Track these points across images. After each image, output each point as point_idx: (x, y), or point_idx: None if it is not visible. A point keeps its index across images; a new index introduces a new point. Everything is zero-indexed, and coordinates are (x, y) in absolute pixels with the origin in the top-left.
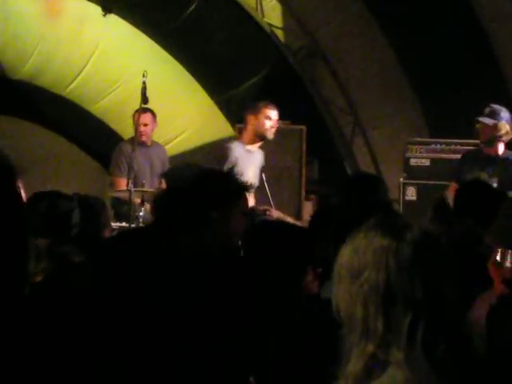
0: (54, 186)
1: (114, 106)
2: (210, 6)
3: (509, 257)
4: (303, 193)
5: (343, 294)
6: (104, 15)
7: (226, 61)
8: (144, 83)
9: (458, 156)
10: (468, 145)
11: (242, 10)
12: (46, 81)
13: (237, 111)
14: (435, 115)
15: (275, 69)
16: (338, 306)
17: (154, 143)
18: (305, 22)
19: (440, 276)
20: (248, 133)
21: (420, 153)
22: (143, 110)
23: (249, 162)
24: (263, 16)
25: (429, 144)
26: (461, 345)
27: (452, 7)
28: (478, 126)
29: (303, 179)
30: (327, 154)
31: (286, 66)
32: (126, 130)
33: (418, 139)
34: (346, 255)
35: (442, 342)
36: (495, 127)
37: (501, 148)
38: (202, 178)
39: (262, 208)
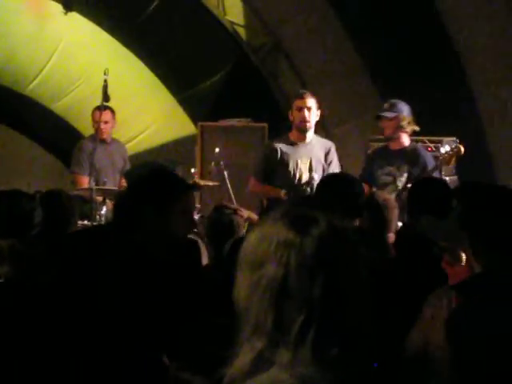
0: (15, 184)
1: (75, 103)
2: (171, 4)
3: (462, 256)
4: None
5: (243, 284)
6: (65, 13)
7: (188, 58)
8: (105, 81)
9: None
10: (430, 141)
11: (203, 7)
12: (7, 79)
13: (199, 109)
14: None
15: (237, 66)
16: (238, 297)
17: (114, 140)
18: (266, 19)
19: (343, 277)
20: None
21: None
22: (103, 108)
23: (296, 155)
24: (225, 13)
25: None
26: (359, 350)
27: (414, 6)
28: (380, 122)
29: None
30: None
31: (248, 64)
32: (88, 128)
33: (380, 136)
34: (251, 242)
35: (335, 346)
36: (397, 119)
37: (406, 140)
38: (143, 178)
39: (232, 207)
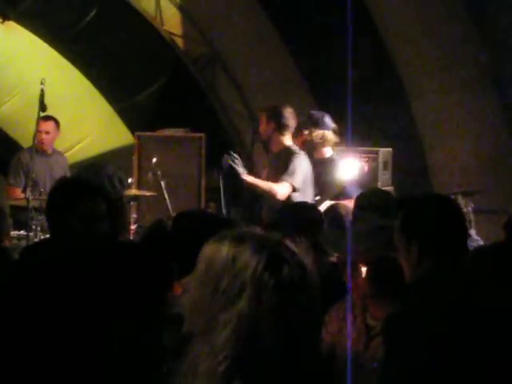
0: None
1: (12, 113)
2: (108, 14)
3: (361, 269)
4: (203, 201)
5: (204, 305)
6: (2, 22)
7: (126, 68)
8: (42, 90)
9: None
10: (366, 152)
11: (141, 18)
12: None
13: (137, 119)
14: (335, 121)
15: (175, 76)
16: (193, 310)
17: (55, 151)
18: (204, 29)
19: (304, 317)
20: None
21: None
22: (45, 118)
23: None
24: (163, 24)
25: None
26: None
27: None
28: (306, 136)
29: (202, 187)
30: None
31: (186, 74)
32: (26, 138)
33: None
34: (220, 261)
35: None
36: (323, 136)
37: (328, 151)
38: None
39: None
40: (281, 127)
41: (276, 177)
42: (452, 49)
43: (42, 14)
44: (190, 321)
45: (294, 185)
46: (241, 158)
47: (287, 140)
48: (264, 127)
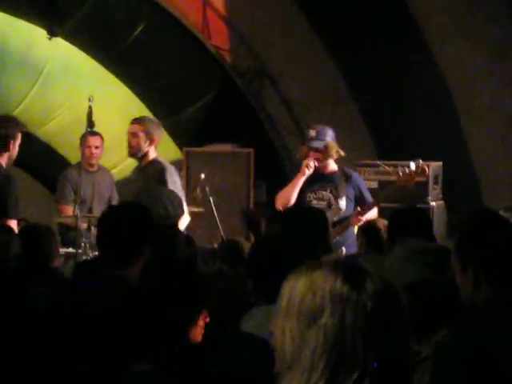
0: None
1: (60, 130)
2: (156, 29)
3: None
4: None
5: (291, 333)
6: (50, 38)
7: (173, 83)
8: (90, 107)
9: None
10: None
11: (188, 32)
12: None
13: (185, 134)
14: (383, 137)
15: (223, 91)
16: (282, 344)
17: (101, 168)
18: (252, 43)
19: (395, 337)
20: None
21: (368, 175)
22: (93, 133)
23: None
24: (210, 38)
25: (377, 166)
26: None
27: (399, 28)
28: (308, 150)
29: (251, 202)
30: (276, 176)
31: (234, 88)
32: (73, 155)
33: (367, 161)
34: (299, 289)
35: None
36: (325, 148)
37: (333, 165)
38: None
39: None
40: None
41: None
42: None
43: (89, 30)
44: (279, 358)
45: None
46: (289, 174)
47: None
48: None
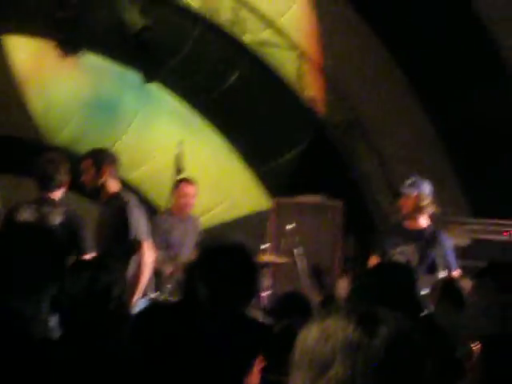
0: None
1: (150, 175)
2: (250, 77)
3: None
4: (338, 270)
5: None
6: (145, 83)
7: (266, 133)
8: (179, 153)
9: (499, 237)
10: (508, 225)
11: (282, 82)
12: (83, 147)
13: (275, 184)
14: (477, 194)
15: (315, 142)
16: None
17: (189, 215)
18: (346, 96)
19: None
20: None
21: (460, 233)
22: (190, 181)
23: None
24: (303, 89)
25: (468, 224)
26: None
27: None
28: (399, 199)
29: (338, 256)
30: (365, 230)
31: (326, 140)
32: (162, 201)
33: (458, 218)
34: (311, 339)
35: None
36: (417, 197)
37: (424, 221)
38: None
39: None
40: None
41: None
42: None
43: (184, 76)
44: None
45: None
46: (377, 227)
47: None
48: None
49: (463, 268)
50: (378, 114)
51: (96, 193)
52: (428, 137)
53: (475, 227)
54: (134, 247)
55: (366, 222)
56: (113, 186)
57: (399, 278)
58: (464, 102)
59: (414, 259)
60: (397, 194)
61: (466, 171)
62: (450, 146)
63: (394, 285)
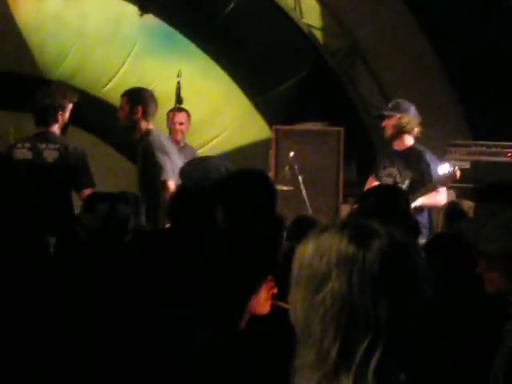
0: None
1: None
2: (247, 7)
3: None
4: (341, 195)
5: (302, 303)
6: (141, 15)
7: (264, 61)
8: (179, 83)
9: (499, 159)
10: (504, 147)
11: (280, 10)
12: (82, 81)
13: (275, 112)
14: (477, 118)
15: (314, 70)
16: (295, 316)
17: (187, 145)
18: (344, 21)
19: (407, 295)
20: None
21: (460, 155)
22: (178, 109)
23: None
24: (301, 16)
25: (469, 146)
26: (424, 374)
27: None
28: (381, 121)
29: (341, 182)
30: (366, 156)
31: (325, 67)
32: (163, 131)
33: (458, 141)
34: (307, 255)
35: (402, 371)
36: (399, 119)
37: (409, 141)
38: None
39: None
40: None
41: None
42: None
43: (180, 7)
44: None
45: None
46: (379, 154)
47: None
48: None
49: (464, 190)
50: (377, 40)
51: (130, 131)
52: (428, 63)
53: (477, 149)
54: (159, 188)
55: (367, 146)
56: (144, 125)
57: (391, 201)
58: (465, 30)
59: (402, 184)
60: (380, 117)
61: (466, 94)
62: (450, 72)
63: (387, 207)
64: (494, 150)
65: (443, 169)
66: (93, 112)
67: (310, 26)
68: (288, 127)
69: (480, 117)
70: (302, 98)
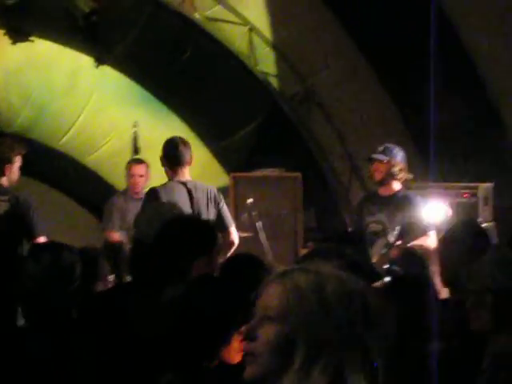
0: (49, 239)
1: (107, 157)
2: (203, 55)
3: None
4: (300, 241)
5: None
6: (97, 66)
7: (221, 109)
8: (135, 133)
9: (457, 200)
10: (465, 187)
11: (235, 57)
12: (39, 134)
13: (232, 160)
14: (433, 158)
15: (270, 116)
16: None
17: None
18: (299, 68)
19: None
20: None
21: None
22: (138, 161)
23: None
24: (256, 63)
25: (426, 188)
26: None
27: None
28: (371, 164)
29: (299, 226)
30: (324, 201)
31: (281, 113)
32: (121, 182)
33: (416, 184)
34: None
35: None
36: (389, 163)
37: (396, 186)
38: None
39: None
40: None
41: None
42: None
43: (137, 58)
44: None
45: None
46: (338, 199)
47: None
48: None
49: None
50: (333, 85)
51: None
52: (384, 105)
53: (434, 190)
54: None
55: (325, 191)
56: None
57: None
58: (419, 67)
59: (392, 231)
60: (369, 160)
61: (422, 137)
62: (407, 114)
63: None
64: (450, 190)
65: (442, 210)
66: (49, 164)
67: (264, 72)
68: (246, 174)
69: (435, 157)
70: (259, 145)
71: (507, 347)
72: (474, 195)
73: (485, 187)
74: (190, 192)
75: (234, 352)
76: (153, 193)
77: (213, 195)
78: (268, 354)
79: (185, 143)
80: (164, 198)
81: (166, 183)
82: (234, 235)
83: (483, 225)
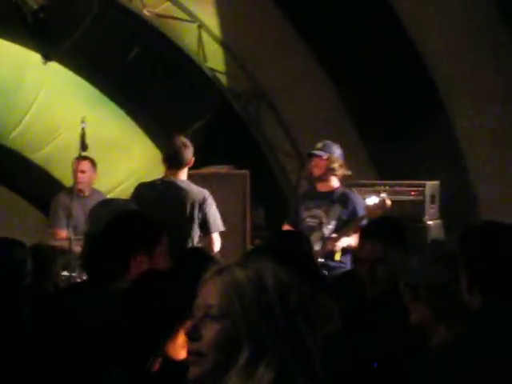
0: None
1: (56, 153)
2: (151, 51)
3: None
4: (248, 238)
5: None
6: (44, 63)
7: (170, 106)
8: (83, 129)
9: (404, 197)
10: (412, 186)
11: (184, 54)
12: None
13: None
14: (382, 158)
15: (219, 113)
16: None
17: (94, 192)
18: (248, 65)
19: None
20: None
21: (365, 195)
22: (82, 158)
23: None
24: (205, 60)
25: (373, 186)
26: None
27: (398, 52)
28: (311, 160)
29: (247, 224)
30: (273, 199)
31: (230, 111)
32: (69, 178)
33: (363, 181)
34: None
35: None
36: (328, 160)
37: (335, 183)
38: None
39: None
40: None
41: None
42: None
43: (84, 54)
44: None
45: None
46: (286, 197)
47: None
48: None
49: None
50: (282, 82)
51: None
52: (333, 104)
53: (381, 188)
54: None
55: (274, 190)
56: None
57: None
58: (368, 67)
59: (327, 225)
60: (308, 156)
61: (371, 135)
62: (355, 112)
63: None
64: (397, 188)
65: (371, 200)
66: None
67: (213, 70)
68: (194, 171)
69: (384, 156)
70: (208, 142)
71: (448, 338)
72: (421, 193)
73: (432, 185)
74: (177, 192)
75: (180, 348)
76: (136, 188)
77: (201, 198)
78: (212, 353)
79: (185, 145)
80: (144, 193)
81: (154, 180)
82: (215, 241)
83: (430, 222)
